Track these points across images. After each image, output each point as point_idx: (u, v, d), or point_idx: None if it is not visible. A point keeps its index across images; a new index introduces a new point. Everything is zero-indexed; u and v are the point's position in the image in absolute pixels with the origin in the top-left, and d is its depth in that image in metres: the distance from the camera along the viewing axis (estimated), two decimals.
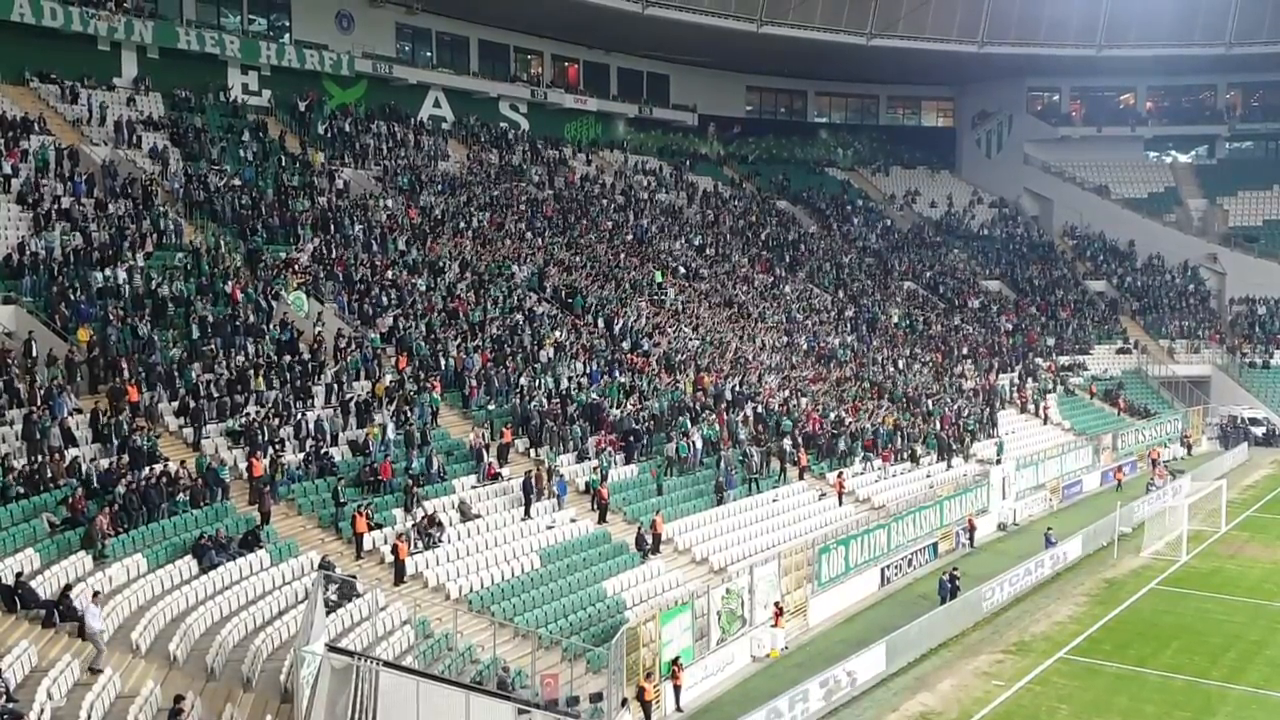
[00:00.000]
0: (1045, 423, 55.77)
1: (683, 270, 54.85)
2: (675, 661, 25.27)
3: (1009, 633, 30.11)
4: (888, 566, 34.77)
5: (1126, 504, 40.79)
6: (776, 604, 29.30)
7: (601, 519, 32.51)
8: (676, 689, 25.02)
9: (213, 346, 32.03)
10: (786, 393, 45.24)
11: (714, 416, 39.97)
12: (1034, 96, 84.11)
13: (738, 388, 43.33)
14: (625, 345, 43.84)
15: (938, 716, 24.63)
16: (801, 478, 39.93)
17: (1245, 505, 45.25)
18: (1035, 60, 75.83)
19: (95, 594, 21.14)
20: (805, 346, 52.54)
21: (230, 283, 35.32)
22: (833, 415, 44.50)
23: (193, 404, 29.24)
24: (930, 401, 50.21)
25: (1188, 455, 56.90)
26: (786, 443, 40.18)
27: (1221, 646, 29.13)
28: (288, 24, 55.53)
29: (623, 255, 53.38)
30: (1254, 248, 72.89)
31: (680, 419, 38.69)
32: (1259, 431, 60.42)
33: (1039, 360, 61.97)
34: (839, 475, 40.14)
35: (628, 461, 35.93)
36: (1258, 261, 71.83)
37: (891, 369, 53.55)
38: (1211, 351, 66.75)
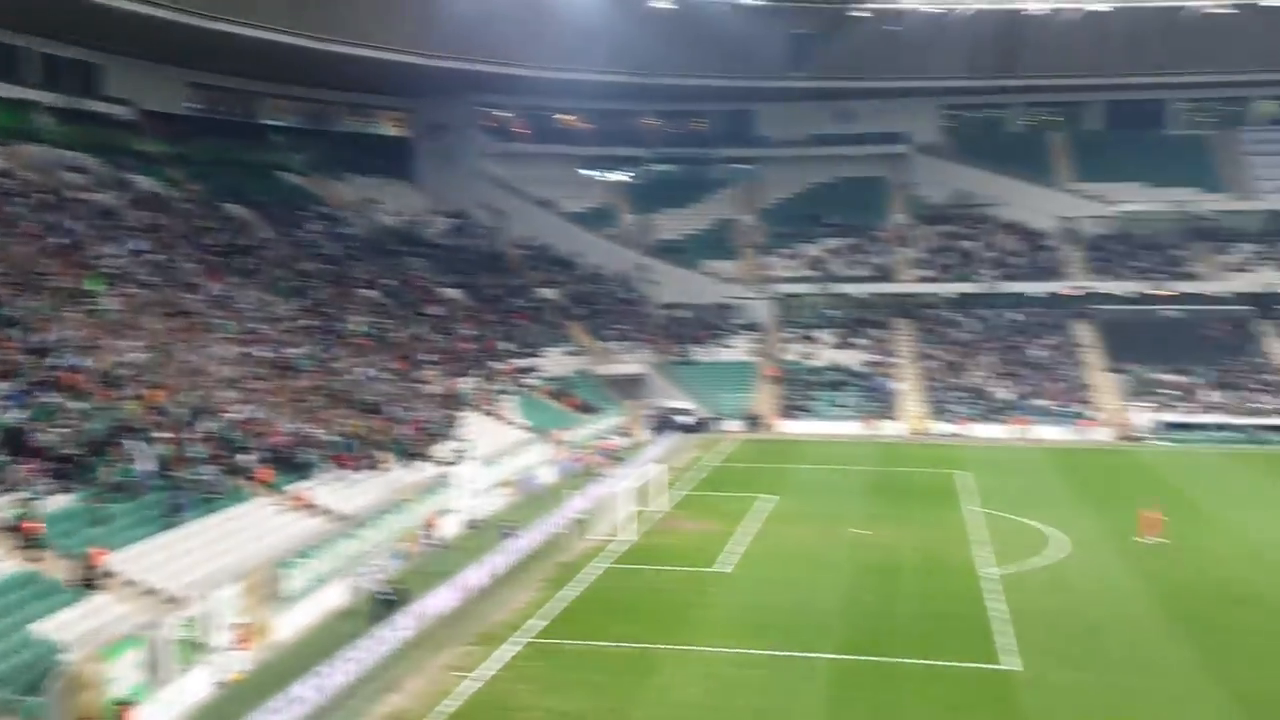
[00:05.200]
0: (504, 423, 58.46)
1: (126, 278, 50.35)
2: (121, 702, 23.07)
3: (471, 624, 31.11)
4: (356, 575, 34.41)
5: (576, 491, 43.97)
6: (239, 626, 27.85)
7: (31, 557, 28.82)
8: None
9: None
10: (246, 406, 43.14)
11: (165, 435, 37.09)
12: (485, 112, 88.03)
13: (192, 403, 40.56)
14: (56, 361, 39.26)
15: (408, 715, 24.85)
16: (263, 494, 38.31)
17: (677, 486, 50.66)
18: (482, 76, 79.17)
19: None
20: (264, 357, 50.49)
21: None
22: (295, 427, 43.18)
23: None
24: (393, 408, 50.54)
25: (630, 445, 62.65)
26: (247, 458, 38.34)
27: (664, 612, 32.25)
28: None
29: (51, 261, 47.78)
30: (678, 259, 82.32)
31: (125, 440, 35.43)
32: (685, 421, 68.09)
33: (497, 364, 64.88)
34: (302, 488, 39.04)
35: (63, 491, 32.23)
36: (681, 271, 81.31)
37: (354, 377, 53.15)
38: (645, 352, 74.27)
